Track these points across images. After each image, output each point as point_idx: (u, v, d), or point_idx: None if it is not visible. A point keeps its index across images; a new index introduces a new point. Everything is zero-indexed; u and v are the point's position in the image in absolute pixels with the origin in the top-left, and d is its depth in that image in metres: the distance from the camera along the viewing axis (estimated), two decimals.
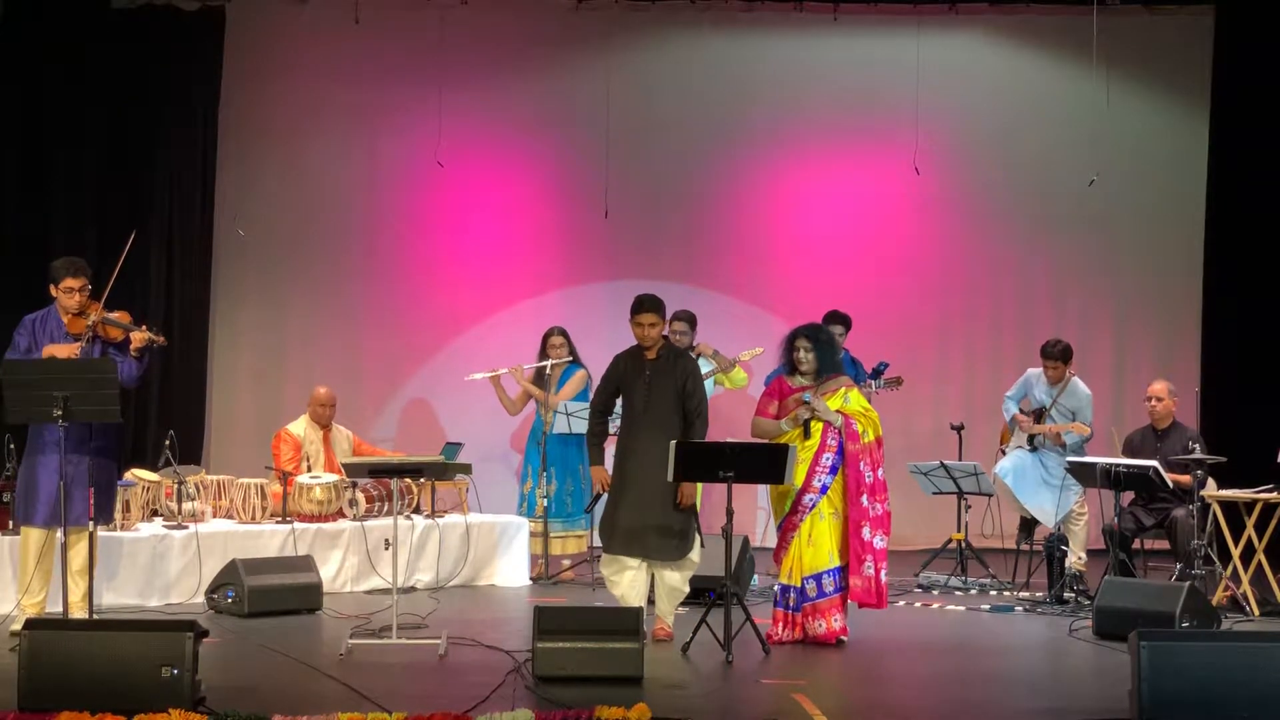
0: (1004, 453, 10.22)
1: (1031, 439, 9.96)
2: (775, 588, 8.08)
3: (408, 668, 7.09)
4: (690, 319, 10.56)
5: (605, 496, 7.99)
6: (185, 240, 12.29)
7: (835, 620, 7.85)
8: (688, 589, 8.01)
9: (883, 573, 7.93)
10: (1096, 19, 11.60)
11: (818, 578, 7.86)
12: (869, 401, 8.31)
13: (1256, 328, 12.29)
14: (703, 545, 8.00)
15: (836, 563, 7.88)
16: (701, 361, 10.36)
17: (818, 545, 7.86)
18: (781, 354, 8.16)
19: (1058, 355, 9.99)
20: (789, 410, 7.97)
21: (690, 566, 7.95)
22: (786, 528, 7.96)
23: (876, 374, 10.57)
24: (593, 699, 6.14)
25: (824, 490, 7.89)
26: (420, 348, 12.56)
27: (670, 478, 7.84)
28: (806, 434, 7.89)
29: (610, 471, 8.07)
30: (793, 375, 8.09)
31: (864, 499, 7.86)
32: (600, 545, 10.58)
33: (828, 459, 7.89)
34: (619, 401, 8.11)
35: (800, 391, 7.97)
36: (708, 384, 10.32)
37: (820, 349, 8.01)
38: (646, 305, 7.98)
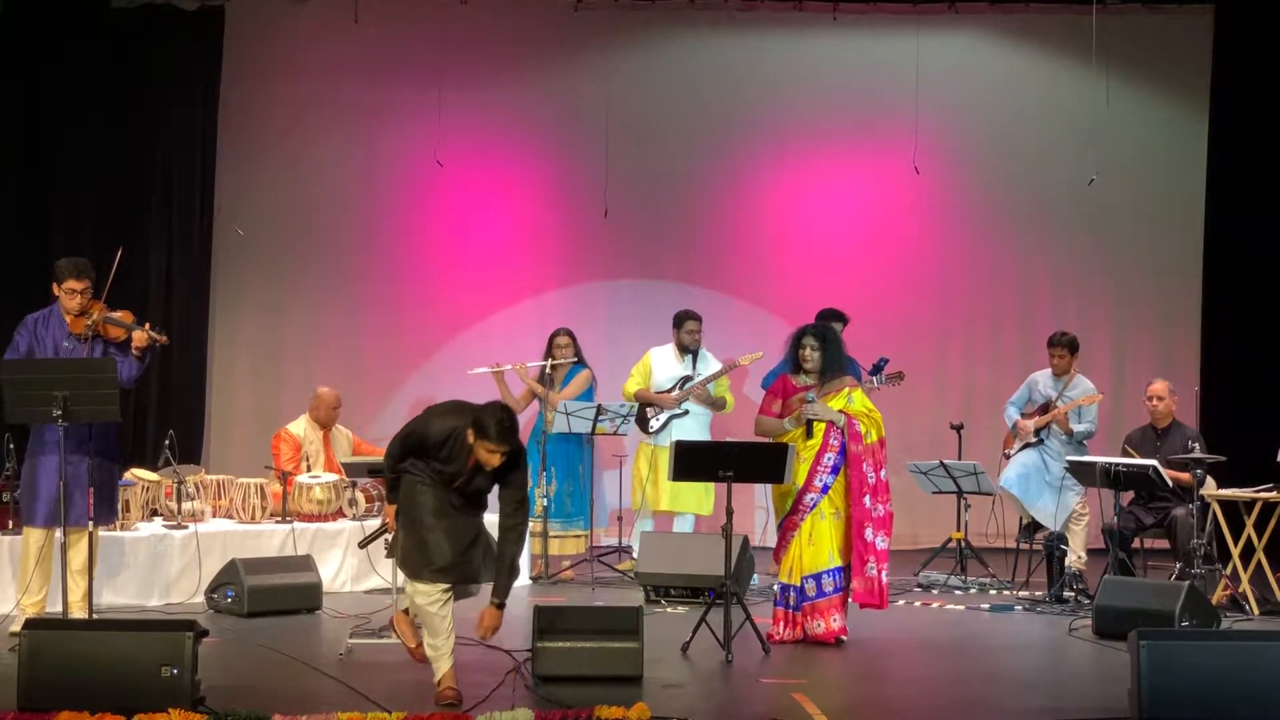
0: (1007, 457, 10.21)
1: (1038, 431, 9.97)
2: (775, 587, 8.08)
3: (408, 668, 7.08)
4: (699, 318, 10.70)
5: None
6: (185, 240, 12.28)
7: (834, 620, 7.85)
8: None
9: (884, 573, 7.93)
10: (1096, 18, 11.59)
11: (817, 577, 7.86)
12: (871, 399, 8.30)
13: (1256, 328, 12.29)
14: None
15: (837, 563, 7.88)
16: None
17: (818, 545, 7.86)
18: (786, 352, 8.16)
19: (1065, 344, 10.03)
20: (793, 409, 7.96)
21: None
22: (787, 527, 7.96)
23: (877, 370, 10.56)
24: (592, 699, 6.14)
25: (825, 490, 7.88)
26: (420, 347, 12.55)
27: (670, 477, 7.87)
28: (809, 434, 7.88)
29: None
30: (797, 374, 8.08)
31: (867, 500, 7.86)
32: (598, 546, 10.68)
33: (830, 459, 7.89)
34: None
35: (804, 390, 7.97)
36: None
37: (827, 348, 8.00)
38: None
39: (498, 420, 6.28)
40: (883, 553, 7.90)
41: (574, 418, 10.20)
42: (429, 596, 6.43)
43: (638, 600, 8.53)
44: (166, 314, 12.03)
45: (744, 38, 12.66)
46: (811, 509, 7.87)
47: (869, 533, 7.85)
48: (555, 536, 10.41)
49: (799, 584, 7.88)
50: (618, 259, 12.51)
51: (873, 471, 7.89)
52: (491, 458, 6.32)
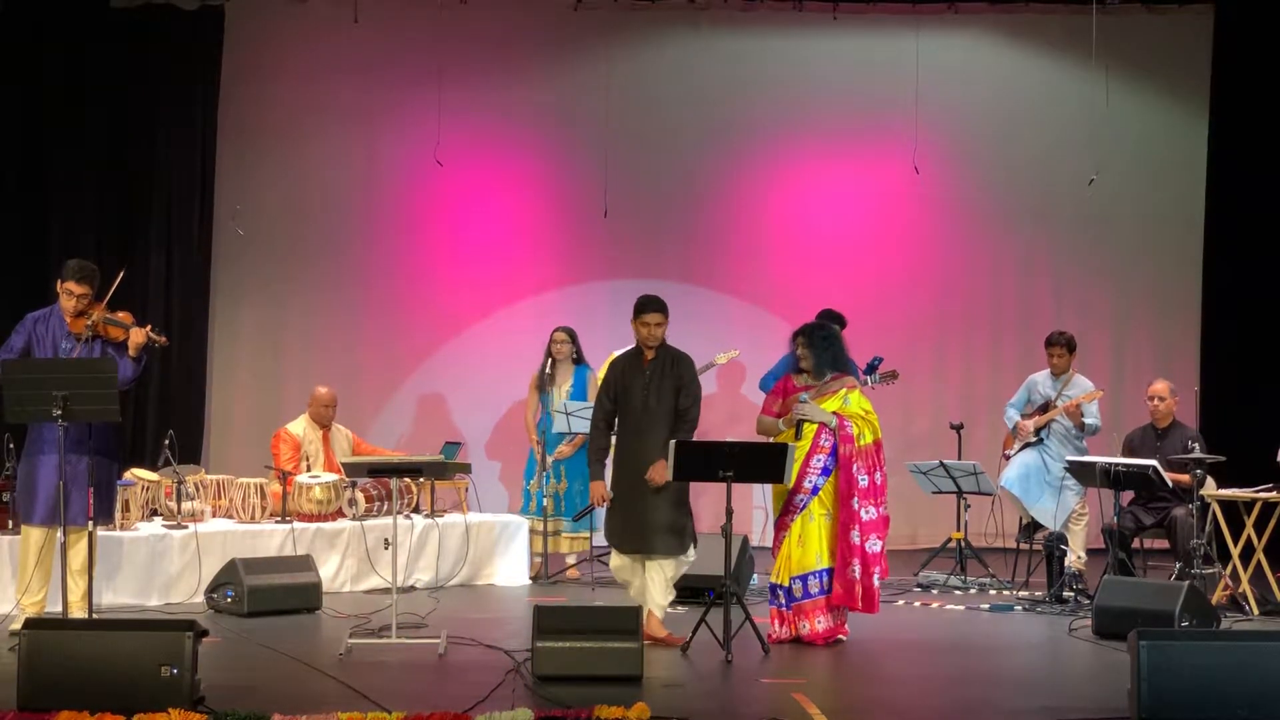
0: (1007, 458, 10.21)
1: (1037, 431, 9.96)
2: (769, 586, 8.09)
3: (407, 667, 7.09)
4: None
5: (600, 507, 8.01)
6: (185, 240, 12.29)
7: (819, 622, 7.82)
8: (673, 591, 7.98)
9: (874, 576, 7.88)
10: (1096, 18, 11.59)
11: (804, 578, 7.85)
12: (868, 399, 8.29)
13: (1256, 327, 12.29)
14: (695, 545, 7.97)
15: (825, 564, 7.86)
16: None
17: (806, 546, 7.85)
18: (789, 352, 8.21)
19: (1063, 343, 10.02)
20: (790, 409, 7.97)
21: (685, 565, 7.96)
22: (779, 527, 7.98)
23: (871, 369, 10.55)
24: (592, 698, 6.14)
25: (815, 491, 7.86)
26: (420, 347, 12.56)
27: (670, 477, 7.85)
28: (798, 434, 7.88)
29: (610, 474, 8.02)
30: (799, 374, 8.10)
31: (854, 502, 7.81)
32: (598, 546, 10.65)
33: (819, 460, 7.87)
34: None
35: (803, 390, 7.98)
36: None
37: (815, 347, 8.00)
38: (652, 305, 7.98)
39: (649, 297, 8.10)
40: (874, 555, 7.86)
41: (574, 417, 10.19)
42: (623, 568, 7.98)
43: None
44: (166, 314, 12.04)
45: (744, 38, 12.66)
46: (801, 510, 7.87)
47: (855, 535, 7.81)
48: (567, 536, 10.40)
49: (787, 584, 7.88)
50: (618, 259, 12.51)
51: (864, 474, 7.85)
52: (656, 331, 7.95)
